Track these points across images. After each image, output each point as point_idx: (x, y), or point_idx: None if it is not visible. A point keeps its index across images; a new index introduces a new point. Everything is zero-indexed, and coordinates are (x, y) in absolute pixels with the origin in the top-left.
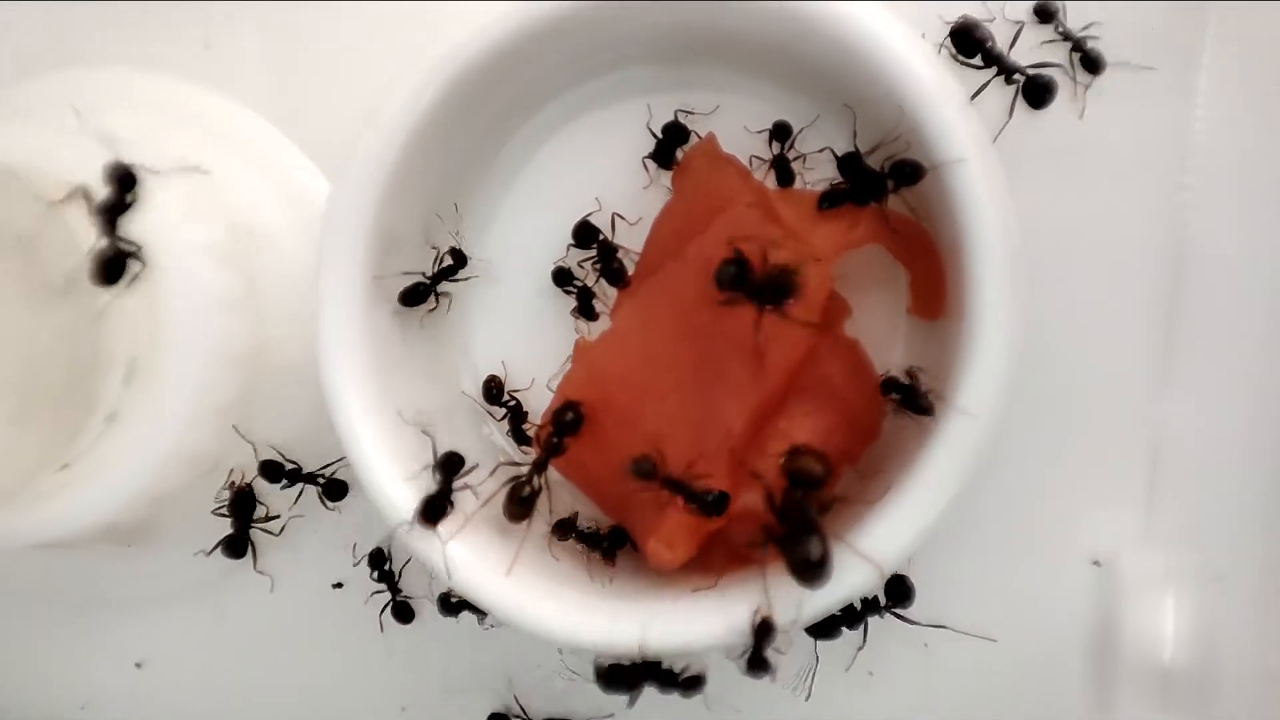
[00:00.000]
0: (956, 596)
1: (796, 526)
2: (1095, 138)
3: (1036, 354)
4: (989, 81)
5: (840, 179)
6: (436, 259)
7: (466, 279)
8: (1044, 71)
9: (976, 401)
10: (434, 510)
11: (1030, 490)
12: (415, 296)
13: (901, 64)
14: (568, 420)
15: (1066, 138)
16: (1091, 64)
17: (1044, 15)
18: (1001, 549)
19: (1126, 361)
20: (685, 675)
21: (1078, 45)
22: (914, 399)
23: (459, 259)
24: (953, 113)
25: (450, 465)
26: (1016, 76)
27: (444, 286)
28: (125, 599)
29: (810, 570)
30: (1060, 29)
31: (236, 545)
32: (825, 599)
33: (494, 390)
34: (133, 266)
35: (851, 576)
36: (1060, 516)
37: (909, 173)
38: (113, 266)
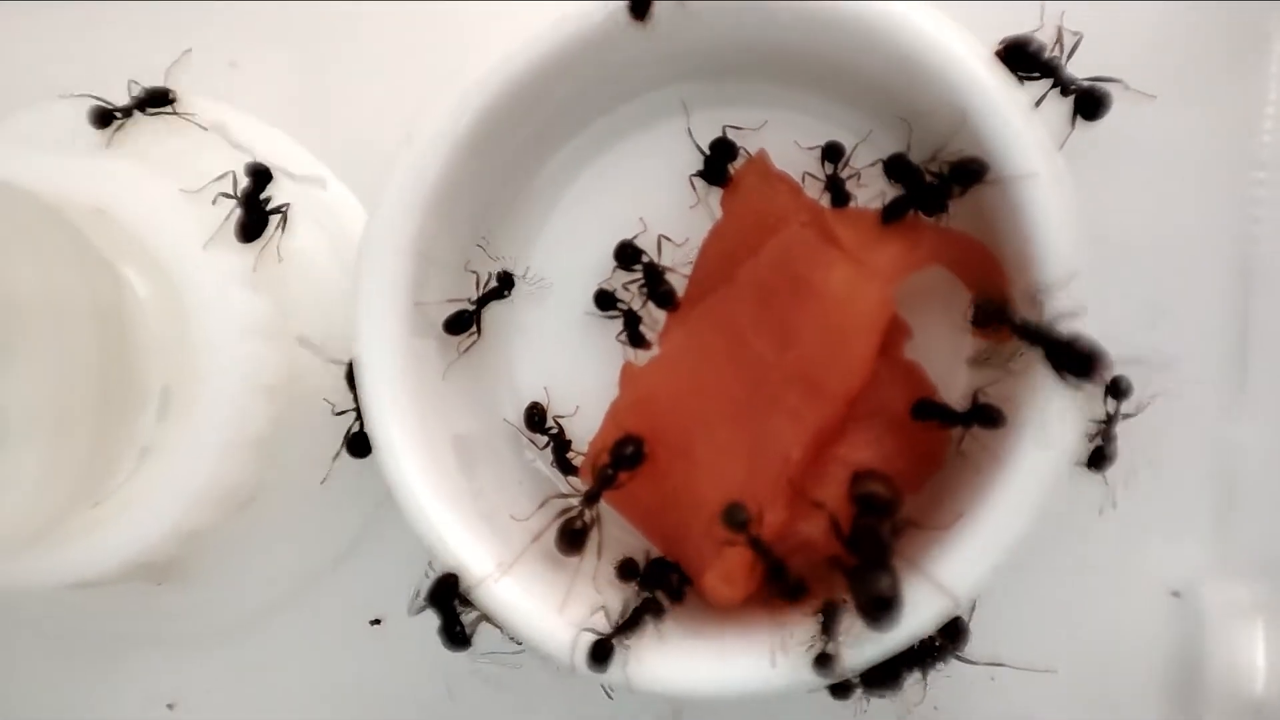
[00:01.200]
0: (1024, 629)
1: (868, 557)
2: (1157, 147)
3: None
4: (1045, 94)
5: (892, 188)
6: (481, 283)
7: (509, 299)
8: (1099, 84)
9: (1051, 428)
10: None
11: (1103, 526)
12: (460, 324)
13: (964, 70)
14: (627, 454)
15: (1126, 148)
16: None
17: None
18: (1072, 580)
19: (1197, 381)
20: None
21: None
22: (958, 416)
23: (506, 282)
24: (1020, 122)
25: None
26: (1072, 88)
27: (489, 310)
28: (157, 638)
29: (880, 608)
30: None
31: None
32: (892, 638)
33: (536, 417)
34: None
35: (922, 611)
36: (1133, 545)
37: (973, 171)
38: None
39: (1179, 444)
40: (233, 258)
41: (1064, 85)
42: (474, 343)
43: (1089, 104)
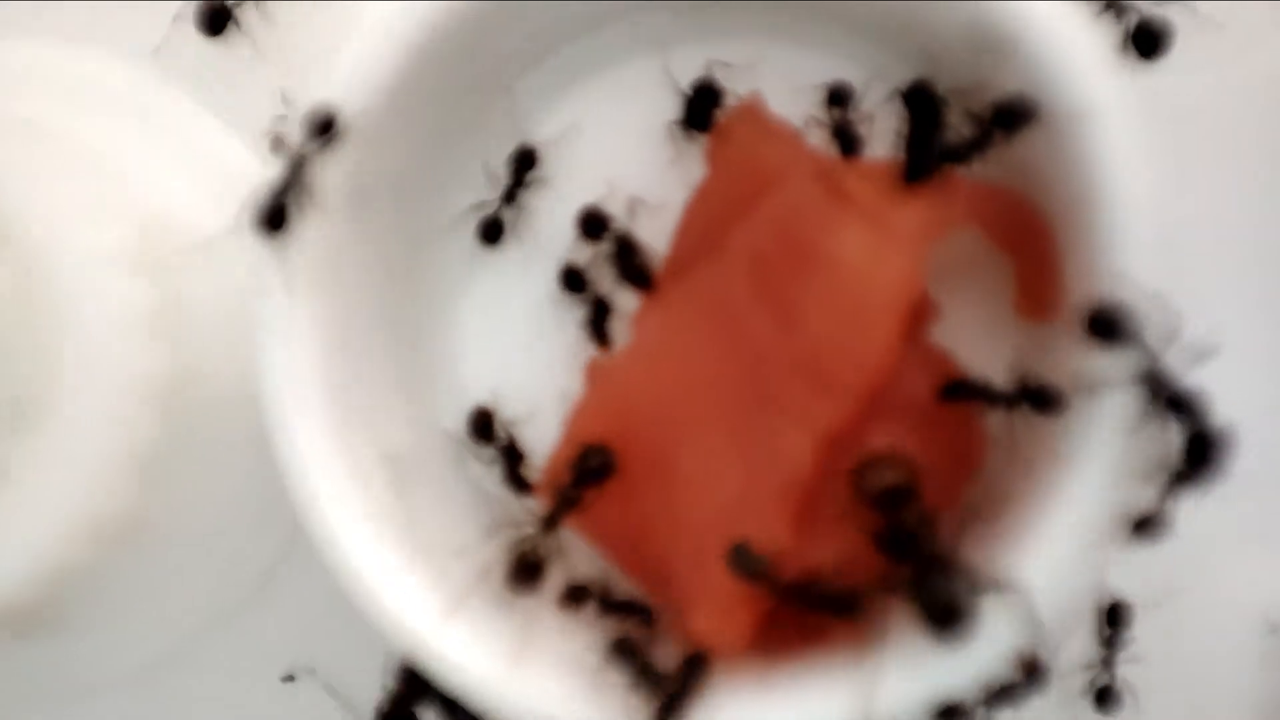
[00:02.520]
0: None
1: (920, 561)
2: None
3: None
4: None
5: (915, 139)
6: (511, 167)
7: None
8: (1158, 14)
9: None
10: None
11: (1186, 545)
12: (494, 232)
13: None
14: (592, 467)
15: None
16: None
17: None
18: (1152, 611)
19: None
20: None
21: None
22: (1002, 396)
23: (526, 161)
24: (1082, 49)
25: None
26: (1129, 13)
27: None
28: (32, 695)
29: (951, 615)
30: None
31: None
32: (946, 679)
33: (483, 426)
34: None
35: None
36: (1224, 571)
37: (1021, 113)
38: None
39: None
40: (109, 233)
41: (1118, 8)
42: (405, 326)
43: (1146, 39)
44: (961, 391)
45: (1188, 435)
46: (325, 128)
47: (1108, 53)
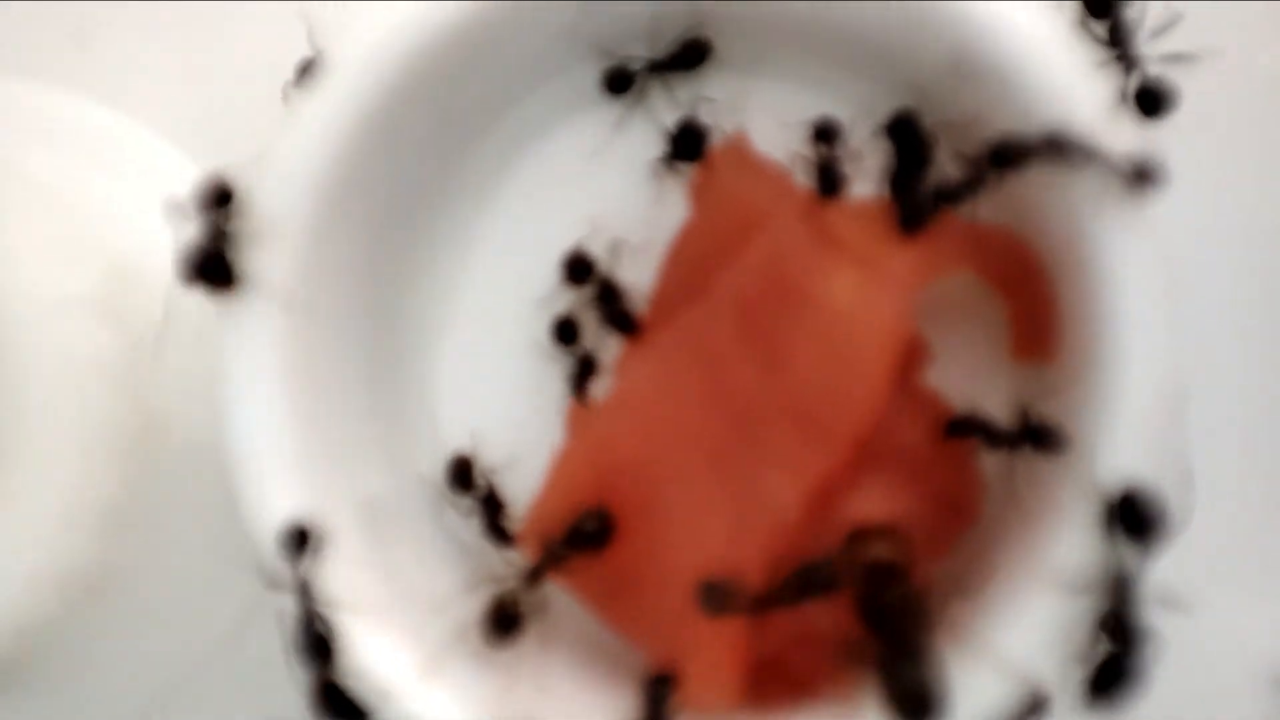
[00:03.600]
0: None
1: (896, 642)
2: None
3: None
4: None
5: (902, 173)
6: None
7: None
8: (1165, 77)
9: (1128, 463)
10: None
11: (1187, 592)
12: (622, 83)
13: (1007, 20)
14: (588, 532)
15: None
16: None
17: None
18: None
19: None
20: None
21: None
22: (1005, 436)
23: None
24: (1081, 83)
25: None
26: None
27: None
28: None
29: (916, 710)
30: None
31: None
32: None
33: (462, 473)
34: None
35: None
36: (1226, 623)
37: (1019, 153)
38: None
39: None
40: (70, 275)
41: (1128, 62)
42: (381, 371)
43: (1149, 99)
44: (965, 429)
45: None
46: (223, 199)
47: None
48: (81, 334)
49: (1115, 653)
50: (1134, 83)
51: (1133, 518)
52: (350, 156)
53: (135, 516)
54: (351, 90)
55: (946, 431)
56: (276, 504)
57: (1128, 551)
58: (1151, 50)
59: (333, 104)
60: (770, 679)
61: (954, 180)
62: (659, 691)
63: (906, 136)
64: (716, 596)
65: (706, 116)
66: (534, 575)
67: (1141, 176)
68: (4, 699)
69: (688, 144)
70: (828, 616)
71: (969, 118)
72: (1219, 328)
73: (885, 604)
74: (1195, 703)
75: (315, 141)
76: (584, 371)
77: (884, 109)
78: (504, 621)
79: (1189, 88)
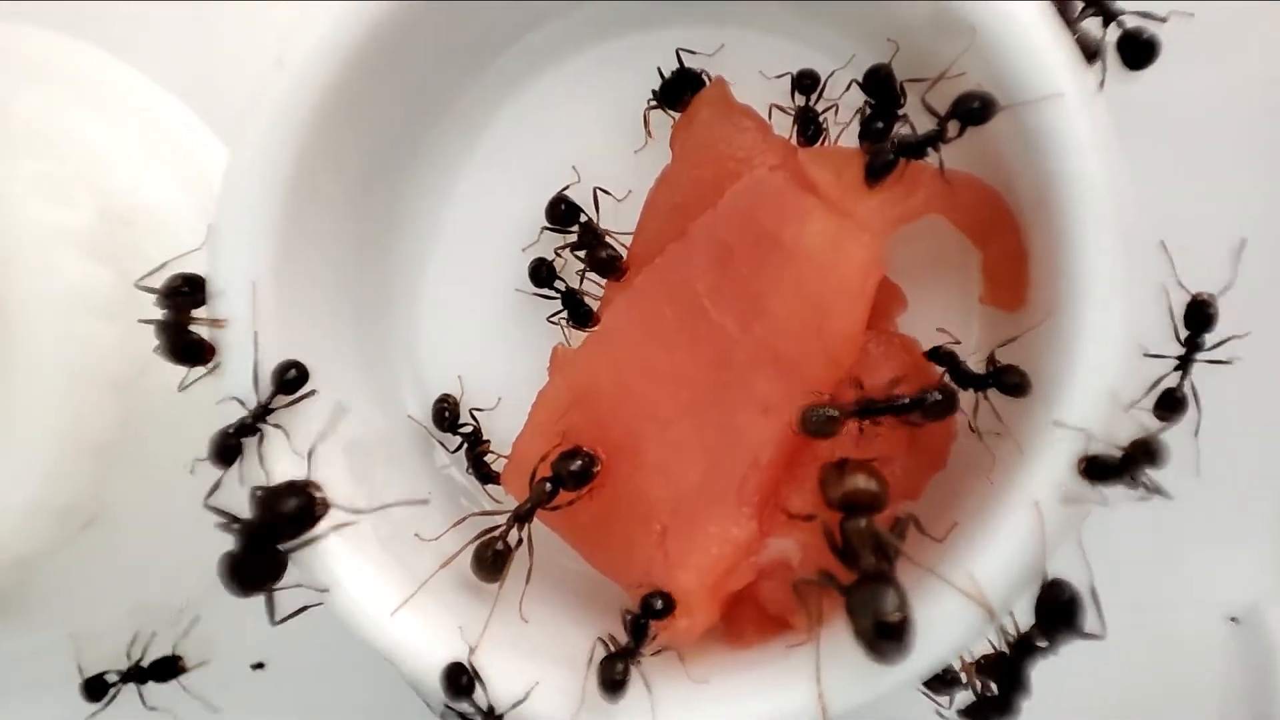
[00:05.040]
0: (1060, 661)
1: (867, 571)
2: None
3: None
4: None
5: (873, 122)
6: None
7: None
8: (1147, 24)
9: (1078, 416)
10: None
11: (1148, 537)
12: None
13: None
14: (573, 470)
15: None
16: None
17: None
18: (1114, 605)
19: (1254, 386)
20: None
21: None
22: (972, 376)
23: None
24: (1043, 34)
25: None
26: (1117, 23)
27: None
28: None
29: (886, 637)
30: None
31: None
32: (903, 672)
33: (447, 413)
34: None
35: (948, 629)
36: (1184, 566)
37: (978, 108)
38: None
39: (1233, 449)
40: (64, 213)
41: (1107, 16)
42: (369, 316)
43: (1134, 49)
44: (937, 359)
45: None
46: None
47: (1070, 42)
48: (77, 272)
49: (989, 697)
50: (1114, 34)
51: (1052, 612)
52: (332, 107)
53: (130, 452)
54: (332, 41)
55: (925, 356)
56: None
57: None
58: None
59: (314, 55)
60: (743, 612)
61: (919, 133)
62: (655, 606)
63: (879, 89)
64: (817, 419)
65: (688, 66)
66: (522, 516)
67: None
68: (6, 626)
69: (672, 92)
70: (802, 552)
71: (943, 71)
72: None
73: (859, 535)
74: (1162, 638)
75: (297, 91)
76: (572, 305)
77: (862, 61)
78: (491, 558)
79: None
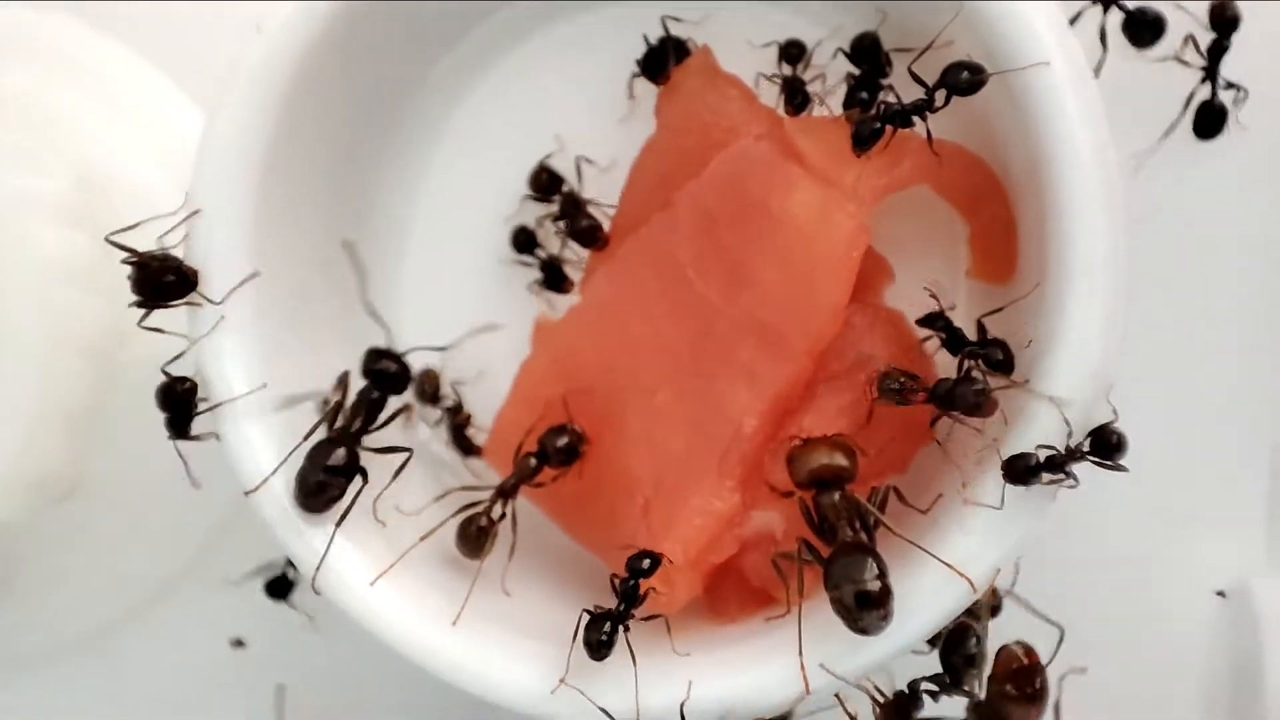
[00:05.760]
0: (1048, 637)
1: (842, 545)
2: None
3: (1140, 352)
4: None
5: (858, 91)
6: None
7: None
8: (1150, 3)
9: (1065, 389)
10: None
11: (1134, 510)
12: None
13: None
14: (559, 446)
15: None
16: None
17: None
18: (1100, 578)
19: (1244, 360)
20: None
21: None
22: (966, 341)
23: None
24: (1029, 5)
25: None
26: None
27: None
28: None
29: (865, 606)
30: None
31: None
32: (887, 643)
33: (428, 386)
34: None
35: (933, 601)
36: (1170, 539)
37: (966, 78)
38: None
39: (1220, 424)
40: (40, 182)
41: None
42: (347, 287)
43: (1138, 28)
44: (931, 322)
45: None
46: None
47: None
48: (53, 241)
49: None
50: (1116, 17)
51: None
52: (311, 73)
53: (106, 423)
54: (310, 7)
55: (918, 321)
56: (243, 409)
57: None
58: None
59: (292, 20)
60: (726, 585)
61: (904, 102)
62: (641, 566)
63: (865, 57)
64: (895, 386)
65: (674, 34)
66: (506, 491)
67: None
68: None
69: (656, 61)
70: (782, 523)
71: (930, 42)
72: (1188, 284)
73: (829, 511)
74: (1152, 612)
75: (275, 57)
76: (551, 272)
77: (850, 32)
78: (475, 534)
79: None
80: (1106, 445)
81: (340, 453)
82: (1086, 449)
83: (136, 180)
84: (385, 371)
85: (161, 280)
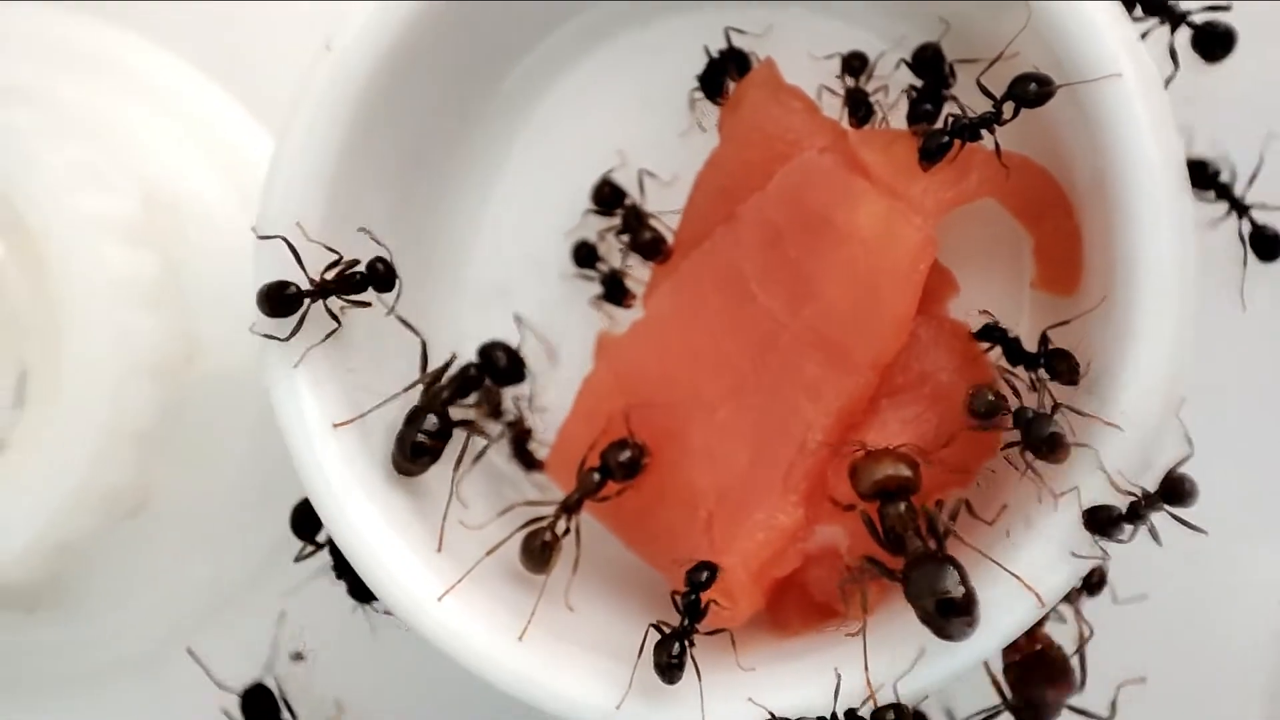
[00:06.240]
0: (1110, 646)
1: (915, 553)
2: None
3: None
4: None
5: (921, 103)
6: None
7: None
8: (1219, 17)
9: (1134, 405)
10: None
11: (1195, 516)
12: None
13: None
14: (622, 461)
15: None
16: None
17: None
18: (1164, 587)
19: None
20: None
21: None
22: (1025, 354)
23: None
24: (1100, 14)
25: None
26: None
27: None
28: (33, 679)
29: (951, 614)
30: None
31: None
32: (953, 659)
33: (491, 402)
34: None
35: (1000, 615)
36: (1235, 547)
37: (1035, 90)
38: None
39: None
40: (107, 201)
41: (1175, 21)
42: (410, 303)
43: (1209, 41)
44: (990, 336)
45: None
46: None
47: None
48: (121, 259)
49: None
50: (1183, 35)
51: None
52: (378, 91)
53: (172, 440)
54: (379, 24)
55: (974, 334)
56: (309, 425)
57: None
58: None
59: (360, 38)
60: (789, 599)
61: (972, 114)
62: (700, 579)
63: (930, 70)
64: (984, 402)
65: (736, 47)
66: (570, 506)
67: None
68: (46, 615)
69: (717, 74)
70: (846, 538)
71: (999, 54)
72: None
73: (895, 522)
74: (1215, 622)
75: (344, 75)
76: (612, 285)
77: (912, 43)
78: (539, 548)
79: None
80: (1179, 492)
81: (433, 418)
82: (1156, 493)
83: (203, 200)
84: (494, 355)
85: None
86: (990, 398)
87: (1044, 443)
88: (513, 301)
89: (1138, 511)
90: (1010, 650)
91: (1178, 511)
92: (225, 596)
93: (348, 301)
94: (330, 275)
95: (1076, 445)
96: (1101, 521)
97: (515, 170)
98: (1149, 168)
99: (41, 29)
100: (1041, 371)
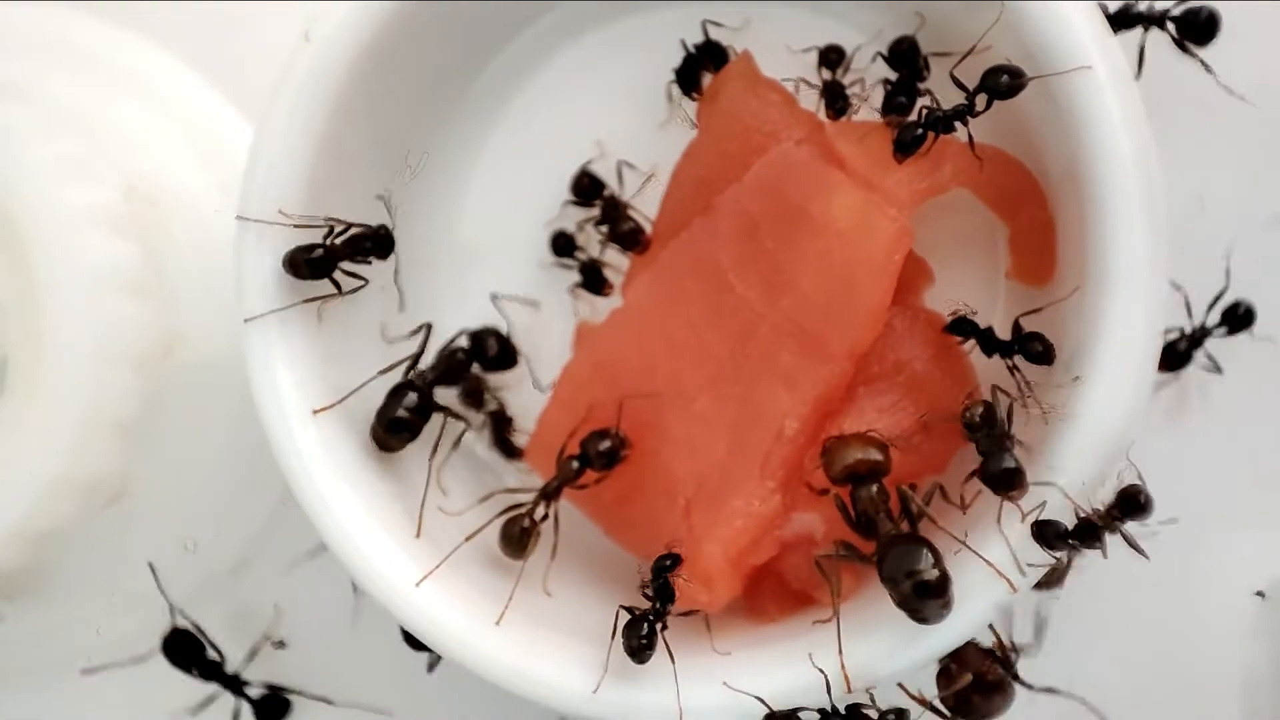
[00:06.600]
0: (1085, 635)
1: (886, 535)
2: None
3: None
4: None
5: (896, 96)
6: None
7: None
8: (1200, 3)
9: (1106, 393)
10: None
11: (1171, 509)
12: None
13: None
14: (601, 450)
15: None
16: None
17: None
18: (1139, 579)
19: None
20: None
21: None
22: (998, 342)
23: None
24: (1071, 7)
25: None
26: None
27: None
28: (12, 667)
29: (926, 595)
30: None
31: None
32: (925, 643)
33: (471, 390)
34: None
35: (975, 600)
36: (1209, 539)
37: (1006, 82)
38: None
39: (1257, 420)
40: (91, 193)
41: (1152, 21)
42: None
43: (1195, 28)
44: (962, 328)
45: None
46: None
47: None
48: (103, 250)
49: None
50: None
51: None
52: (358, 82)
53: (154, 429)
54: (358, 16)
55: (945, 328)
56: (290, 413)
57: None
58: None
59: (340, 29)
60: (766, 586)
61: (944, 107)
62: (664, 564)
63: (903, 62)
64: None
65: (714, 40)
66: (549, 493)
67: None
68: (27, 602)
69: (694, 67)
70: (822, 525)
71: (971, 45)
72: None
73: (866, 506)
74: (1191, 616)
75: (323, 66)
76: (590, 274)
77: (888, 36)
78: (518, 534)
79: None
80: (1134, 505)
81: (414, 395)
82: (1111, 508)
83: (186, 192)
84: (484, 342)
85: None
86: (982, 412)
87: (998, 479)
88: (493, 288)
89: (1095, 531)
90: (944, 680)
91: (1135, 523)
92: (205, 583)
93: (346, 273)
94: (338, 242)
95: (1036, 484)
96: (1049, 536)
97: (494, 161)
98: (1120, 159)
99: (30, 25)
100: (1018, 358)
